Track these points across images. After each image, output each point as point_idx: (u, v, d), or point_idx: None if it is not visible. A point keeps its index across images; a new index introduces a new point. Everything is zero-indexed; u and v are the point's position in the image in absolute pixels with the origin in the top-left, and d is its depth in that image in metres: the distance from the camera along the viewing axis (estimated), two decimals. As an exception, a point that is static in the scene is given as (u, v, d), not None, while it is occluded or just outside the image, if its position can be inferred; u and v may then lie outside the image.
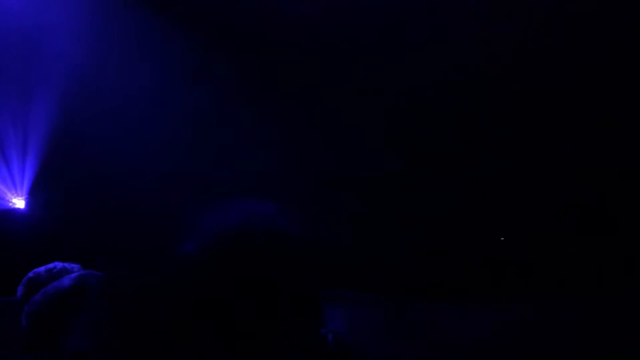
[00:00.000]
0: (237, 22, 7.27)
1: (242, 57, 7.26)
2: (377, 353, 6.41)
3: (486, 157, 7.31)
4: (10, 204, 8.19)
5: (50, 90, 7.52)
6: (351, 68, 7.21)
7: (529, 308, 6.88)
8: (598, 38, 6.92)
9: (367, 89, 7.21)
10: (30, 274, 2.95)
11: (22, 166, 8.11)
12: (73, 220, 7.50)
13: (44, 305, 2.29)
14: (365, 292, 7.02)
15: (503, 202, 7.25)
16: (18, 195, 8.25)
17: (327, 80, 7.21)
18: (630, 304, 6.76)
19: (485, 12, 6.92)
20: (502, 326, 6.87)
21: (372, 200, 7.37)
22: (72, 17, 7.27)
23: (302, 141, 7.46)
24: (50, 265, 2.94)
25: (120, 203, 7.35)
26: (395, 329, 6.86)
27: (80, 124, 7.51)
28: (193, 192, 6.96)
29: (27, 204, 8.15)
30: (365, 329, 6.57)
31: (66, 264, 2.91)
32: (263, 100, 7.32)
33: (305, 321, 1.44)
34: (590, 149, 7.10)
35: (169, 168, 7.33)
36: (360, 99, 7.20)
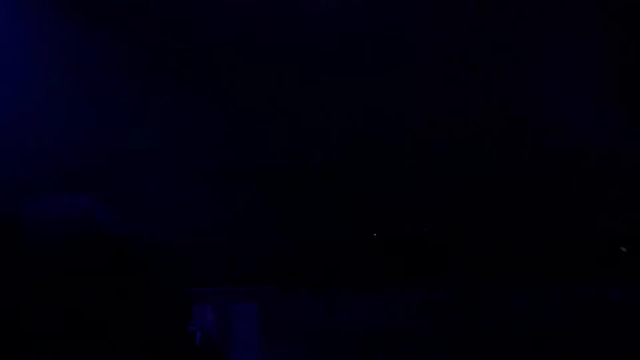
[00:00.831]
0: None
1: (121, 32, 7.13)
2: (252, 347, 6.70)
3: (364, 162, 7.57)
4: None
5: None
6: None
7: (408, 295, 7.10)
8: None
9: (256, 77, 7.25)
10: None
11: None
12: None
13: None
14: (240, 285, 7.09)
15: (381, 194, 7.45)
16: None
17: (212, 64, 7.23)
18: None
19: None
20: (382, 316, 7.07)
21: (246, 192, 7.47)
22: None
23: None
24: None
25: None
26: (271, 322, 6.96)
27: None
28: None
29: None
30: (241, 323, 6.77)
31: None
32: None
33: (163, 319, 1.37)
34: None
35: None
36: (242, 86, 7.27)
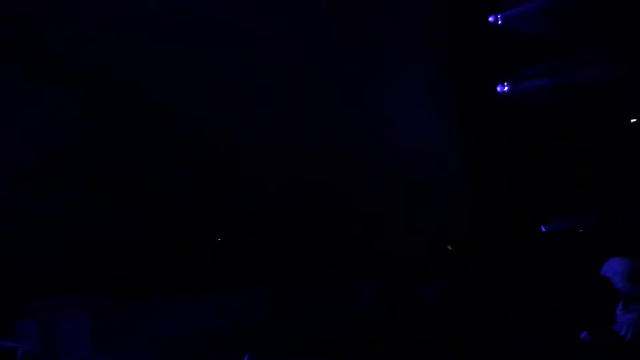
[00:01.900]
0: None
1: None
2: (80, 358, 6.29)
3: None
4: None
5: None
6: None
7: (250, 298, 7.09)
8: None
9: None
10: None
11: None
12: None
13: None
14: (69, 295, 6.73)
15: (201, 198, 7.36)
16: None
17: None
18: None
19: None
20: (215, 320, 7.02)
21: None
22: None
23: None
24: None
25: None
26: (101, 330, 6.70)
27: None
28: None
29: None
30: (70, 334, 6.50)
31: None
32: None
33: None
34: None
35: None
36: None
